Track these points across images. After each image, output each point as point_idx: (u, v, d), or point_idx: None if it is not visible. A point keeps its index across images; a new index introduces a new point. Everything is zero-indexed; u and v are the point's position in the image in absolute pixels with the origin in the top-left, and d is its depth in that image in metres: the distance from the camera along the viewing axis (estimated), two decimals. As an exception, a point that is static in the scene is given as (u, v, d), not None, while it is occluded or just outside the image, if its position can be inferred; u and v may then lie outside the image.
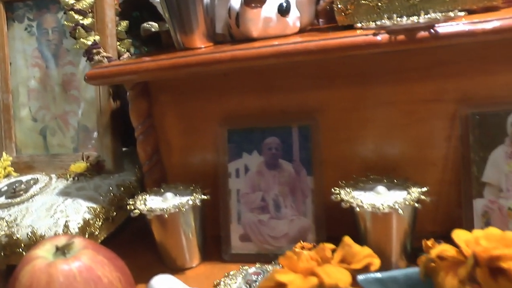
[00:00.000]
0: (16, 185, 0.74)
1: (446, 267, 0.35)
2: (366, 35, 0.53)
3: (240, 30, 0.62)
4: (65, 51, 0.80)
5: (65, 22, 0.72)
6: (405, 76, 0.60)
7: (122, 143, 0.80)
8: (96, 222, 0.68)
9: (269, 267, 0.59)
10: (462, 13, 0.51)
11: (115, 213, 0.71)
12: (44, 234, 0.63)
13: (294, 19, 0.61)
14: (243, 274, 0.59)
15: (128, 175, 0.78)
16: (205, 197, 0.64)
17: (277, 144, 0.64)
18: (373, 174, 0.62)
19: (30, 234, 0.63)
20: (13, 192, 0.72)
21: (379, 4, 0.55)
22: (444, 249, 0.36)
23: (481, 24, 0.49)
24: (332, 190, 0.58)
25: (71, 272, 0.49)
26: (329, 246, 0.38)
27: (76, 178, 0.76)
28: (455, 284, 0.33)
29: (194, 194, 0.64)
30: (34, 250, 0.52)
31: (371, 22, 0.53)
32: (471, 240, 0.35)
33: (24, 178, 0.78)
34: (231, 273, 0.60)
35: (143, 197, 0.67)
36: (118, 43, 0.77)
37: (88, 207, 0.68)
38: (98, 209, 0.68)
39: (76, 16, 0.70)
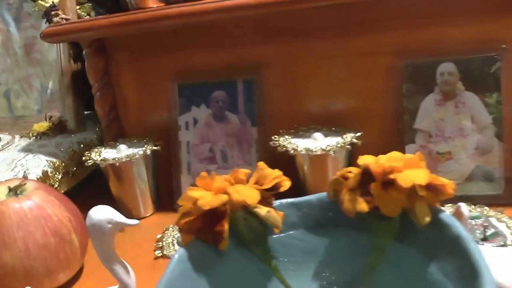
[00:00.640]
0: (-21, 143, 0.77)
1: (347, 185, 0.39)
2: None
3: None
4: (26, 15, 0.83)
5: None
6: (344, 31, 0.64)
7: (87, 106, 0.84)
8: (56, 175, 0.71)
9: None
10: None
11: (75, 168, 0.75)
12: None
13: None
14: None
15: (90, 134, 0.81)
16: (156, 148, 0.68)
17: (224, 97, 0.68)
18: (318, 124, 0.65)
19: (-9, 185, 0.67)
20: (-25, 149, 0.75)
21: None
22: (348, 170, 0.40)
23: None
24: (273, 138, 0.62)
25: (22, 209, 0.52)
26: (245, 170, 0.42)
27: (39, 137, 0.79)
28: (347, 195, 0.37)
29: (146, 145, 0.68)
30: (-10, 192, 0.55)
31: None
32: (372, 161, 0.39)
33: (-13, 137, 0.81)
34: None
35: (99, 149, 0.70)
36: (78, 6, 0.80)
37: (48, 161, 0.71)
38: (58, 163, 0.72)
39: (34, -22, 0.73)
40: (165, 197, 0.72)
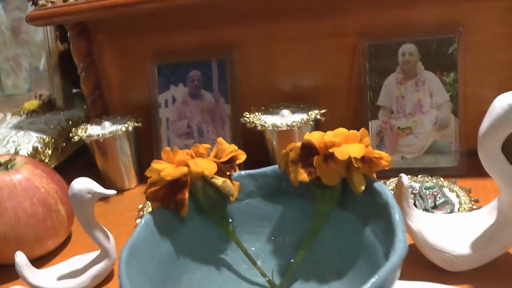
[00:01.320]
0: (-27, 121, 0.82)
1: (289, 158, 0.43)
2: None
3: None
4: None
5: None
6: (310, 13, 0.67)
7: (75, 84, 0.88)
8: (46, 151, 0.76)
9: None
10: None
11: (64, 144, 0.79)
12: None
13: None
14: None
15: (78, 111, 0.86)
16: (137, 124, 0.72)
17: (199, 76, 0.72)
18: (287, 102, 0.70)
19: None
20: (-31, 127, 0.80)
21: None
22: (296, 144, 0.44)
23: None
24: (244, 114, 0.67)
25: (12, 182, 0.57)
26: (205, 145, 0.46)
27: (29, 114, 0.83)
28: (290, 167, 0.41)
29: (128, 122, 0.72)
30: (-19, 167, 0.60)
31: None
32: (318, 137, 0.43)
33: (-21, 115, 0.86)
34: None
35: (85, 126, 0.75)
36: (63, -12, 0.83)
37: (38, 137, 0.76)
38: (47, 140, 0.77)
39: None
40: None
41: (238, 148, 0.70)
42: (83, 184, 0.50)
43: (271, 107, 0.68)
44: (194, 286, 0.42)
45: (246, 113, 0.67)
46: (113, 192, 0.50)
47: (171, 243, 0.43)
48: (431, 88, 0.65)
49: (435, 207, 0.58)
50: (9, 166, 0.59)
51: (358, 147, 0.39)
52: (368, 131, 0.66)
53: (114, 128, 0.72)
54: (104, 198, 0.73)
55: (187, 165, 0.43)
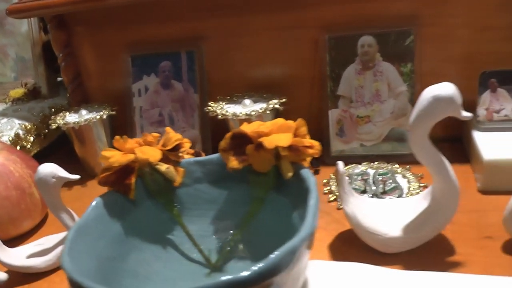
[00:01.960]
0: (-40, 108, 0.86)
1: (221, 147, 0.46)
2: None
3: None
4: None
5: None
6: (274, 6, 0.70)
7: (59, 73, 0.91)
8: (28, 137, 0.80)
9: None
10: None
11: (46, 130, 0.83)
12: (-20, 146, 0.75)
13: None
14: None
15: (61, 99, 0.89)
16: (112, 113, 0.76)
17: (169, 67, 0.75)
18: (251, 91, 0.73)
19: (-32, 146, 0.76)
20: (-43, 113, 0.85)
21: None
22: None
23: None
24: (209, 104, 0.70)
25: (-14, 167, 0.61)
26: (154, 134, 0.50)
27: (15, 102, 0.88)
28: (222, 155, 0.45)
29: (103, 110, 0.76)
30: (-40, 152, 0.64)
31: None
32: (255, 126, 0.46)
33: (-32, 102, 0.90)
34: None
35: (64, 114, 0.78)
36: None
37: (20, 124, 0.80)
38: (30, 126, 0.81)
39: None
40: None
41: (206, 136, 0.74)
42: (48, 168, 0.53)
43: (236, 97, 0.71)
44: (141, 263, 0.46)
45: (211, 102, 0.70)
46: (77, 177, 0.53)
47: (122, 224, 0.47)
48: (389, 78, 0.68)
49: (384, 192, 0.61)
50: (-15, 152, 0.63)
51: (285, 137, 0.43)
52: (328, 120, 0.69)
53: (90, 116, 0.76)
54: (81, 183, 0.77)
55: (134, 153, 0.47)
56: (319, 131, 0.69)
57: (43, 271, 0.56)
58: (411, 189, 0.61)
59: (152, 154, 0.46)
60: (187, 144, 0.49)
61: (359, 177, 0.64)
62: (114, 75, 0.81)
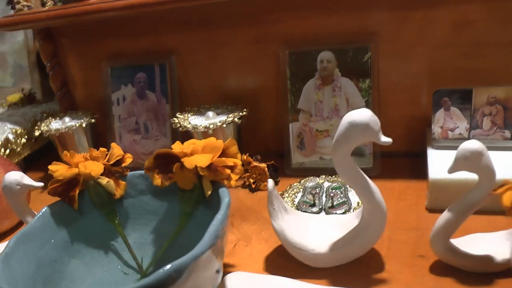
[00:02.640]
0: (-39, 112, 0.93)
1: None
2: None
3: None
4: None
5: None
6: (238, 22, 0.73)
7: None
8: (18, 141, 0.86)
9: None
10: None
11: (36, 134, 0.89)
12: (-28, 148, 0.82)
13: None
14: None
15: (54, 105, 0.95)
16: (92, 120, 0.81)
17: (144, 78, 0.79)
18: (219, 103, 0.76)
19: (-38, 148, 0.83)
20: (-44, 117, 0.91)
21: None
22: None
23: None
24: (177, 115, 0.73)
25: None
26: (102, 149, 0.54)
27: (11, 106, 0.94)
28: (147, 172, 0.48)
29: (84, 118, 0.81)
30: None
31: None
32: (184, 146, 0.49)
33: (-31, 106, 0.97)
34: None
35: (50, 120, 0.84)
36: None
37: (11, 129, 0.86)
38: (20, 131, 0.86)
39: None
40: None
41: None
42: (13, 176, 0.58)
43: (204, 108, 0.75)
44: (82, 267, 0.51)
45: (178, 113, 0.74)
46: (41, 184, 0.58)
47: (68, 231, 0.51)
48: (347, 93, 0.69)
49: (332, 206, 0.63)
50: (-31, 157, 0.69)
51: (204, 158, 0.46)
52: (289, 133, 0.72)
53: (71, 123, 0.81)
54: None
55: (78, 166, 0.51)
56: (282, 143, 0.72)
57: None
58: (360, 204, 0.63)
59: (94, 168, 0.50)
60: (128, 159, 0.53)
61: (313, 190, 0.66)
62: (96, 84, 0.86)
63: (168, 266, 0.36)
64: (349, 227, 0.51)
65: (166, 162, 0.48)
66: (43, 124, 0.82)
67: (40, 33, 0.84)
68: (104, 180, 0.51)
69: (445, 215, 0.47)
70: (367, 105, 0.69)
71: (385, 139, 0.45)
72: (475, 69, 0.66)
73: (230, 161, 0.47)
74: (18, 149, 0.86)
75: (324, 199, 0.64)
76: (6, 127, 0.86)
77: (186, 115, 0.73)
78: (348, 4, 0.68)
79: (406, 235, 0.56)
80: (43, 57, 0.86)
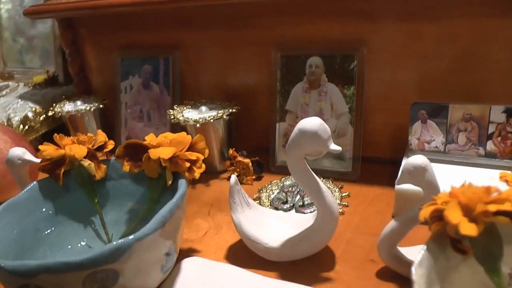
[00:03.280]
0: (-9, 88, 1.02)
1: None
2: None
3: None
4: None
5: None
6: (236, 23, 0.77)
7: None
8: (36, 119, 0.94)
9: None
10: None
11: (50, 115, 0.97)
12: (-4, 123, 0.90)
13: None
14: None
15: (73, 88, 1.03)
16: (101, 106, 0.87)
17: (150, 70, 0.85)
18: (216, 99, 0.81)
19: (-13, 122, 0.91)
20: (-13, 93, 1.01)
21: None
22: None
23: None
24: (174, 107, 0.79)
25: (-17, 143, 0.75)
26: (89, 134, 0.59)
27: (36, 86, 1.02)
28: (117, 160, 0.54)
29: (94, 103, 0.88)
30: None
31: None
32: (153, 139, 0.54)
33: (0, 83, 1.06)
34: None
35: (64, 103, 0.91)
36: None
37: (31, 107, 0.94)
38: (39, 110, 0.94)
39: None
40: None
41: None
42: (15, 152, 0.64)
43: (200, 102, 0.80)
44: (61, 237, 0.57)
45: (175, 106, 0.79)
46: (39, 160, 0.65)
47: (53, 205, 0.57)
48: (332, 99, 0.72)
49: (303, 205, 0.66)
50: (-13, 131, 0.77)
51: (167, 151, 0.51)
52: (275, 132, 0.76)
53: (82, 107, 0.88)
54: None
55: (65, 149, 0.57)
56: (269, 142, 0.76)
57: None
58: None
59: (78, 151, 0.56)
60: (110, 145, 0.58)
61: (289, 188, 0.70)
62: (108, 72, 0.92)
63: (113, 244, 0.41)
64: (303, 227, 0.54)
65: (137, 151, 0.53)
66: (57, 106, 0.90)
67: (62, 22, 0.91)
68: (86, 163, 0.57)
69: (392, 223, 0.50)
70: (350, 111, 0.71)
71: (334, 147, 0.48)
72: (457, 83, 0.67)
73: (193, 155, 0.52)
74: (36, 126, 0.94)
75: (297, 198, 0.67)
76: (27, 106, 0.95)
77: (183, 107, 0.78)
78: (338, 13, 0.70)
79: (365, 239, 0.58)
80: (63, 44, 0.93)
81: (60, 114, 0.87)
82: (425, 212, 0.37)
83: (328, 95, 0.72)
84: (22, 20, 1.06)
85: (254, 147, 0.78)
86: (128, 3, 0.76)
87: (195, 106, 0.79)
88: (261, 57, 0.77)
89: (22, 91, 1.02)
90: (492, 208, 0.33)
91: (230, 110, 0.74)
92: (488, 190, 0.35)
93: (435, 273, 0.36)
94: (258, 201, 0.69)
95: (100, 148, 0.58)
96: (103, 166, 0.58)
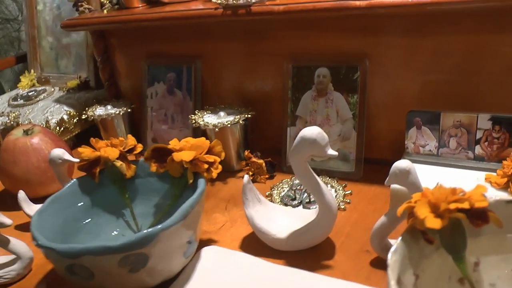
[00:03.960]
0: (31, 93, 1.12)
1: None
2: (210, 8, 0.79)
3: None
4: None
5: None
6: (250, 36, 0.85)
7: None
8: (71, 121, 1.03)
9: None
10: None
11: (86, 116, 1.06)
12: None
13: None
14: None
15: (104, 92, 1.12)
16: (129, 110, 0.96)
17: (174, 78, 0.93)
18: (234, 104, 0.89)
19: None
20: (27, 97, 1.11)
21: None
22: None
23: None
24: (196, 112, 0.87)
25: (26, 144, 0.84)
26: (121, 138, 0.68)
27: (69, 91, 1.12)
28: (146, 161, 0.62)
29: (123, 107, 0.97)
30: (13, 131, 0.88)
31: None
32: (178, 143, 0.63)
33: (39, 88, 1.16)
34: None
35: (96, 107, 1.01)
36: (100, -4, 1.08)
37: (66, 110, 1.04)
38: (73, 113, 1.04)
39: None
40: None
41: (197, 135, 0.92)
42: (56, 152, 0.73)
43: (219, 108, 0.88)
44: (97, 226, 0.66)
45: (197, 111, 0.87)
46: (77, 160, 0.74)
47: (90, 198, 0.67)
48: (338, 106, 0.80)
49: (309, 202, 0.74)
50: (28, 133, 0.87)
51: (188, 154, 0.59)
52: (287, 136, 0.83)
53: (112, 111, 0.97)
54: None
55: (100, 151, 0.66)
56: (281, 144, 0.83)
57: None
58: (333, 202, 0.73)
59: (111, 153, 0.65)
60: (139, 148, 0.67)
61: (298, 187, 0.78)
62: (136, 79, 1.01)
63: (143, 232, 0.49)
64: (306, 221, 0.62)
65: (162, 154, 0.61)
66: (90, 110, 0.99)
67: (95, 33, 1.00)
68: (118, 163, 0.66)
69: (382, 219, 0.57)
70: (354, 117, 0.78)
71: (331, 152, 0.56)
72: (452, 93, 0.73)
73: (211, 158, 0.60)
74: (71, 127, 1.03)
75: (305, 195, 0.75)
76: (62, 109, 1.04)
77: (203, 113, 0.86)
78: (344, 29, 0.77)
79: (362, 233, 0.65)
80: (95, 53, 1.02)
81: (92, 117, 0.96)
82: (401, 208, 0.44)
83: (334, 102, 0.79)
84: (59, 29, 1.15)
85: (267, 149, 0.86)
86: (155, 18, 0.85)
87: (214, 111, 0.87)
88: (275, 67, 0.85)
89: (57, 95, 1.11)
90: (453, 206, 0.40)
91: (246, 115, 0.82)
92: (454, 191, 0.42)
93: (409, 260, 0.43)
94: (270, 198, 0.77)
95: (130, 150, 0.67)
96: (133, 166, 0.67)
